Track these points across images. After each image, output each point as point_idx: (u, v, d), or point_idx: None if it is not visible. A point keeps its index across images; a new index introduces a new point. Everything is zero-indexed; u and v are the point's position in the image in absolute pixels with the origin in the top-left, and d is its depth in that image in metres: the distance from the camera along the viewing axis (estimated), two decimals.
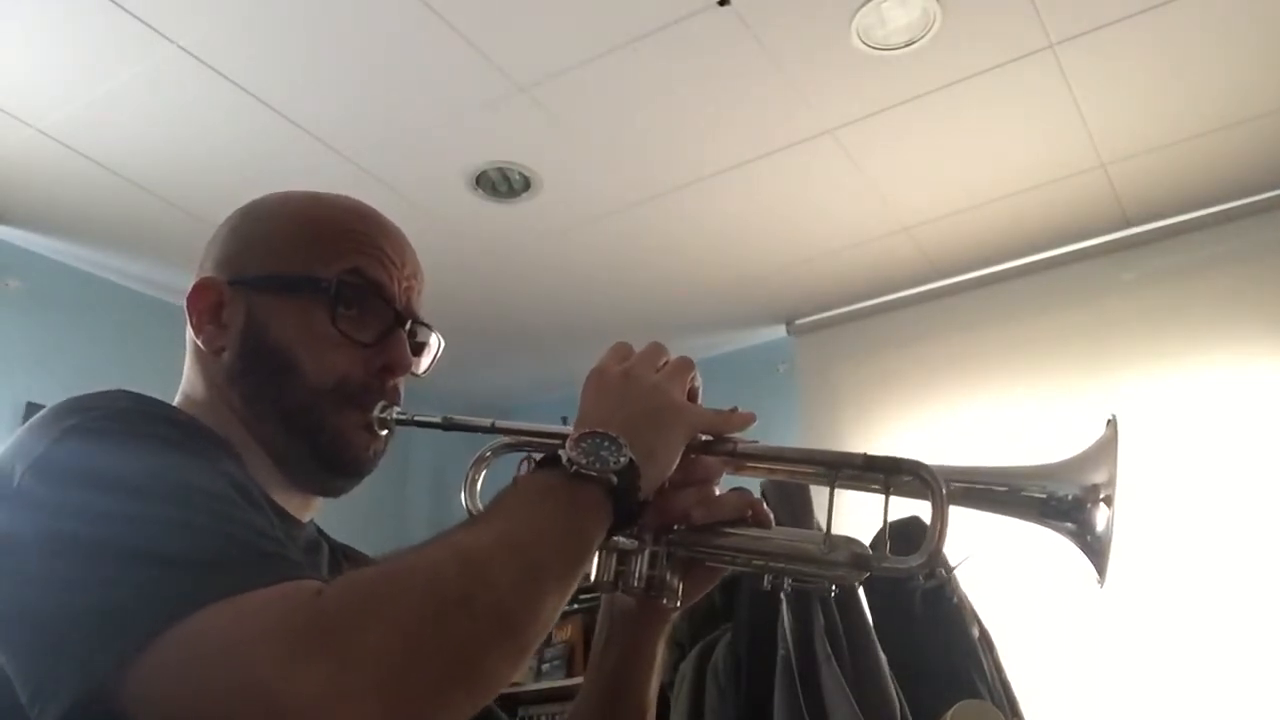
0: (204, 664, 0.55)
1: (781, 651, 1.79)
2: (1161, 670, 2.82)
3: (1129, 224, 3.32)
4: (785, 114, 2.77)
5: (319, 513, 0.93)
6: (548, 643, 3.81)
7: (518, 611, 0.63)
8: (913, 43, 2.50)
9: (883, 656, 1.85)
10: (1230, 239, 3.17)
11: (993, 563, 2.67)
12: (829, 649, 1.80)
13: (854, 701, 1.74)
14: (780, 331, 3.98)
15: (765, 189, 3.10)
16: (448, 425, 0.87)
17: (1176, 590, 2.85)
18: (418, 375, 0.92)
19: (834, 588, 0.85)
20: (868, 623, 1.91)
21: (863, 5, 2.39)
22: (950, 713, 1.53)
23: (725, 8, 2.37)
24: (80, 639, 0.57)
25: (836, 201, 3.18)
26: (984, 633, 2.02)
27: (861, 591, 1.96)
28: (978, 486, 0.79)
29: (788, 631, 1.81)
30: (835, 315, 3.85)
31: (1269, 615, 2.74)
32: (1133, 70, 2.63)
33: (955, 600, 1.98)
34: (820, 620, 1.83)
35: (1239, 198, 3.16)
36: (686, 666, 2.02)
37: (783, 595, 1.78)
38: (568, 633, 3.79)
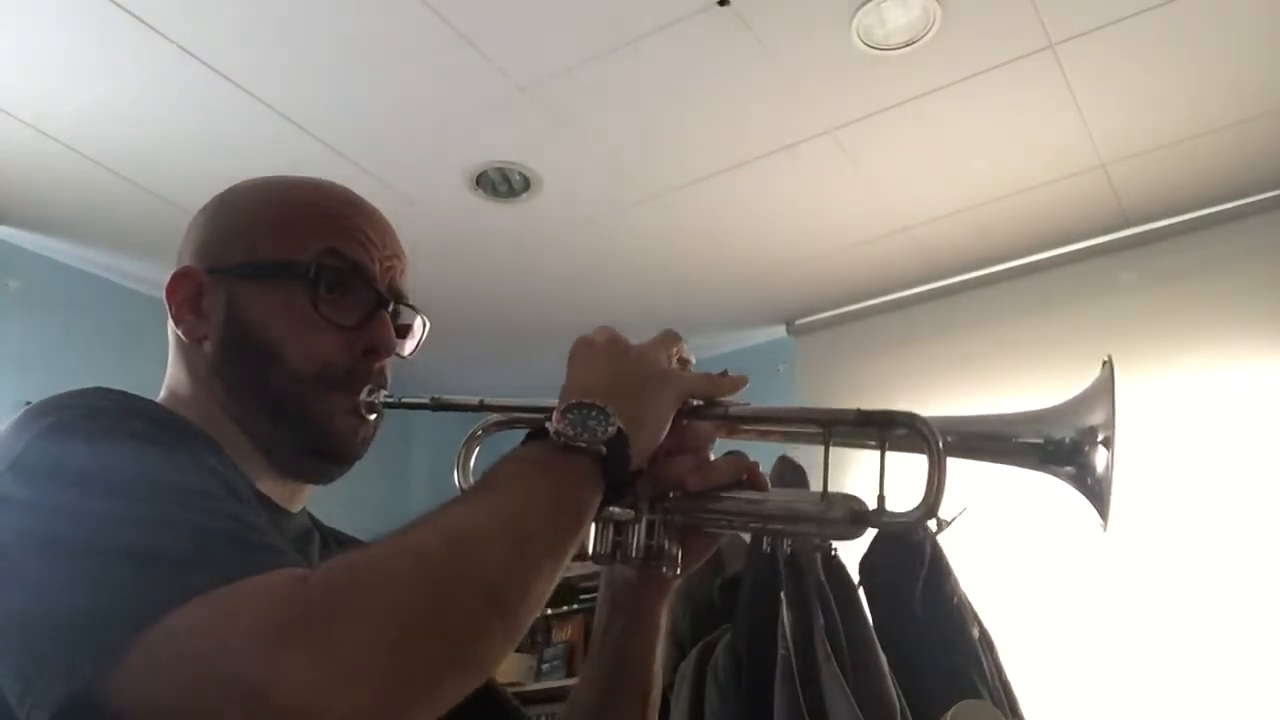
0: (188, 661, 0.55)
1: (781, 651, 1.79)
2: (1162, 672, 2.82)
3: (1129, 224, 3.31)
4: (785, 114, 2.76)
5: (309, 502, 0.92)
6: (548, 643, 3.82)
7: (508, 590, 0.62)
8: (913, 43, 2.50)
9: (883, 656, 1.86)
10: (1230, 239, 3.17)
11: (994, 562, 2.67)
12: (829, 649, 1.80)
13: (854, 701, 1.74)
14: (780, 331, 3.98)
15: (765, 189, 3.10)
16: (436, 406, 0.86)
17: (1177, 593, 2.84)
18: (403, 357, 0.91)
19: (834, 549, 0.84)
20: (868, 623, 1.91)
21: (863, 5, 2.39)
22: (950, 713, 1.53)
23: (725, 8, 2.36)
24: (63, 641, 0.57)
25: (836, 201, 3.17)
26: (984, 633, 2.02)
27: (861, 592, 1.96)
28: (974, 436, 0.78)
29: (788, 631, 1.81)
30: (835, 315, 3.84)
31: (1270, 615, 2.73)
32: (1133, 70, 2.63)
33: (955, 600, 1.98)
34: (820, 620, 1.83)
35: (1239, 198, 3.16)
36: (686, 666, 2.02)
37: (783, 596, 1.78)
38: (568, 633, 3.79)
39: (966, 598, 2.02)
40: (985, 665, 1.93)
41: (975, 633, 1.97)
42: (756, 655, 1.86)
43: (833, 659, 1.78)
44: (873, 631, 1.90)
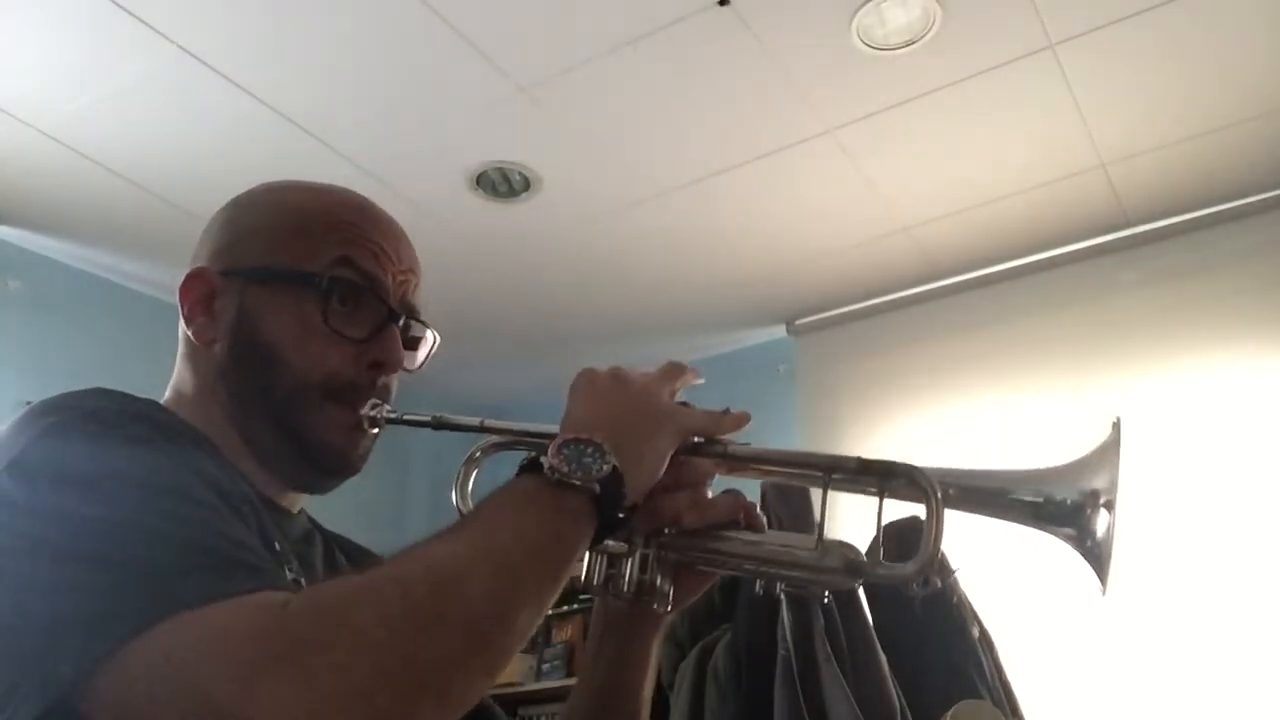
0: (165, 680, 0.55)
1: (781, 652, 1.79)
2: (1162, 671, 2.82)
3: (1129, 224, 3.31)
4: (785, 114, 2.76)
5: (310, 505, 0.92)
6: (548, 643, 3.82)
7: (490, 625, 0.61)
8: (913, 43, 2.50)
9: (883, 656, 1.86)
10: (1230, 239, 3.17)
11: (994, 564, 2.67)
12: (829, 649, 1.80)
13: (854, 701, 1.74)
14: (780, 331, 3.98)
15: (765, 189, 3.09)
16: (437, 424, 0.86)
17: (1175, 591, 2.85)
18: (411, 371, 0.91)
19: (828, 593, 0.83)
20: (868, 623, 1.91)
21: (863, 5, 2.39)
22: (950, 713, 1.53)
23: (725, 8, 2.37)
24: (45, 647, 0.56)
25: (836, 201, 3.17)
26: (984, 633, 2.02)
27: (861, 592, 1.96)
28: (973, 490, 0.77)
29: (788, 632, 1.81)
30: (835, 315, 3.84)
31: (1270, 616, 2.74)
32: (1133, 70, 2.63)
33: (955, 600, 1.98)
34: (820, 621, 1.83)
35: (1239, 198, 3.16)
36: (686, 666, 2.02)
37: (782, 595, 1.78)
38: (568, 633, 3.79)
39: (966, 597, 2.02)
40: (985, 665, 1.94)
41: (975, 632, 1.97)
42: (756, 655, 1.86)
43: (833, 659, 1.78)
44: (873, 631, 1.90)
